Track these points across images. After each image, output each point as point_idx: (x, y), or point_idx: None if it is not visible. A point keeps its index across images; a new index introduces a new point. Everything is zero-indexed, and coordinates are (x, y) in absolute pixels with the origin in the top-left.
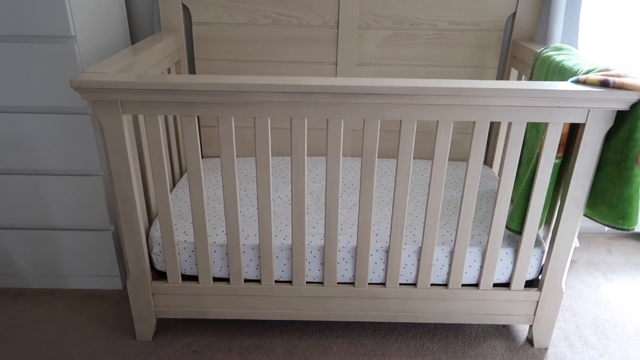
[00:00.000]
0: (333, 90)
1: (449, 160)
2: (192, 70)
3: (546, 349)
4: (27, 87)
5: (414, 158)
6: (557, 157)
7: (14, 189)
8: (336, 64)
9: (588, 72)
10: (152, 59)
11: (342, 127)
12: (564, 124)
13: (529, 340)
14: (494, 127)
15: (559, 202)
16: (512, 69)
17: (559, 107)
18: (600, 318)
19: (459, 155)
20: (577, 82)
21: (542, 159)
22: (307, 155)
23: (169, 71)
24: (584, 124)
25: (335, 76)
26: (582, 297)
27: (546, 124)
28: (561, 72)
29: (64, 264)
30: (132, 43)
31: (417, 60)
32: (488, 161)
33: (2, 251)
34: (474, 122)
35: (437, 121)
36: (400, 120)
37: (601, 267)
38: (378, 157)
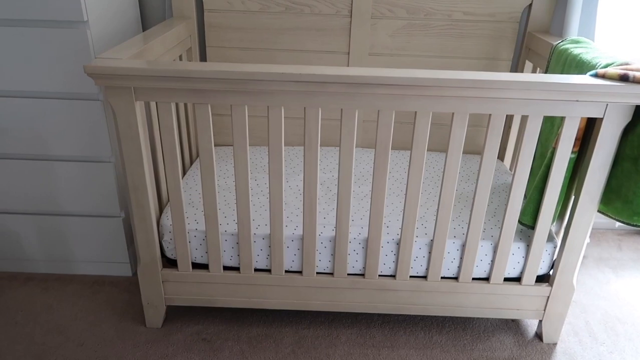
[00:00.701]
0: (348, 80)
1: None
2: (203, 57)
3: (555, 344)
4: (39, 72)
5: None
6: (572, 152)
7: (25, 173)
8: (348, 53)
9: (607, 65)
10: (163, 46)
11: (357, 117)
12: (581, 118)
13: (538, 335)
14: (506, 121)
15: (572, 197)
16: (527, 62)
17: (577, 101)
18: (609, 314)
19: (471, 148)
20: (596, 75)
21: (558, 153)
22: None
23: (180, 58)
24: (601, 119)
25: (348, 66)
26: (592, 293)
27: (562, 118)
28: (579, 66)
29: (74, 250)
30: (143, 29)
31: (430, 51)
32: (500, 155)
33: (12, 236)
34: (490, 115)
35: (453, 113)
36: (415, 112)
37: (611, 263)
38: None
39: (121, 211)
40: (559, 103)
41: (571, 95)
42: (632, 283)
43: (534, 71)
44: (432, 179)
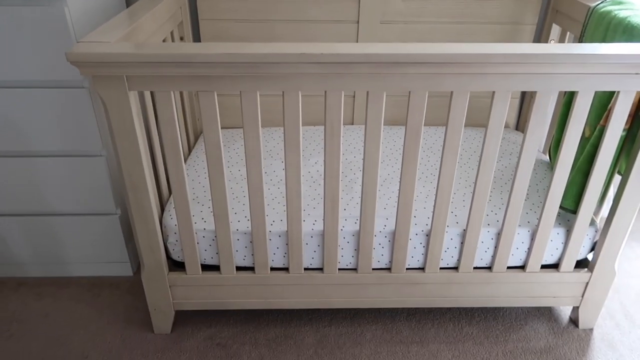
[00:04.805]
0: (378, 59)
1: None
2: (196, 32)
3: (592, 329)
4: (14, 58)
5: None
6: (623, 129)
7: (8, 172)
8: (358, 22)
9: None
10: (154, 23)
11: (384, 101)
12: (637, 92)
13: (573, 321)
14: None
15: (613, 178)
16: (554, 25)
17: (637, 73)
18: None
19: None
20: None
21: (609, 131)
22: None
23: (171, 35)
24: None
25: (357, 36)
26: (622, 270)
27: (613, 93)
28: (627, 31)
29: (67, 251)
30: (127, 4)
31: (448, 16)
32: None
33: None
34: (535, 93)
35: (493, 92)
36: (452, 92)
37: (639, 237)
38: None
39: (117, 208)
40: (614, 76)
41: (631, 68)
42: None
43: (562, 35)
44: (459, 157)
